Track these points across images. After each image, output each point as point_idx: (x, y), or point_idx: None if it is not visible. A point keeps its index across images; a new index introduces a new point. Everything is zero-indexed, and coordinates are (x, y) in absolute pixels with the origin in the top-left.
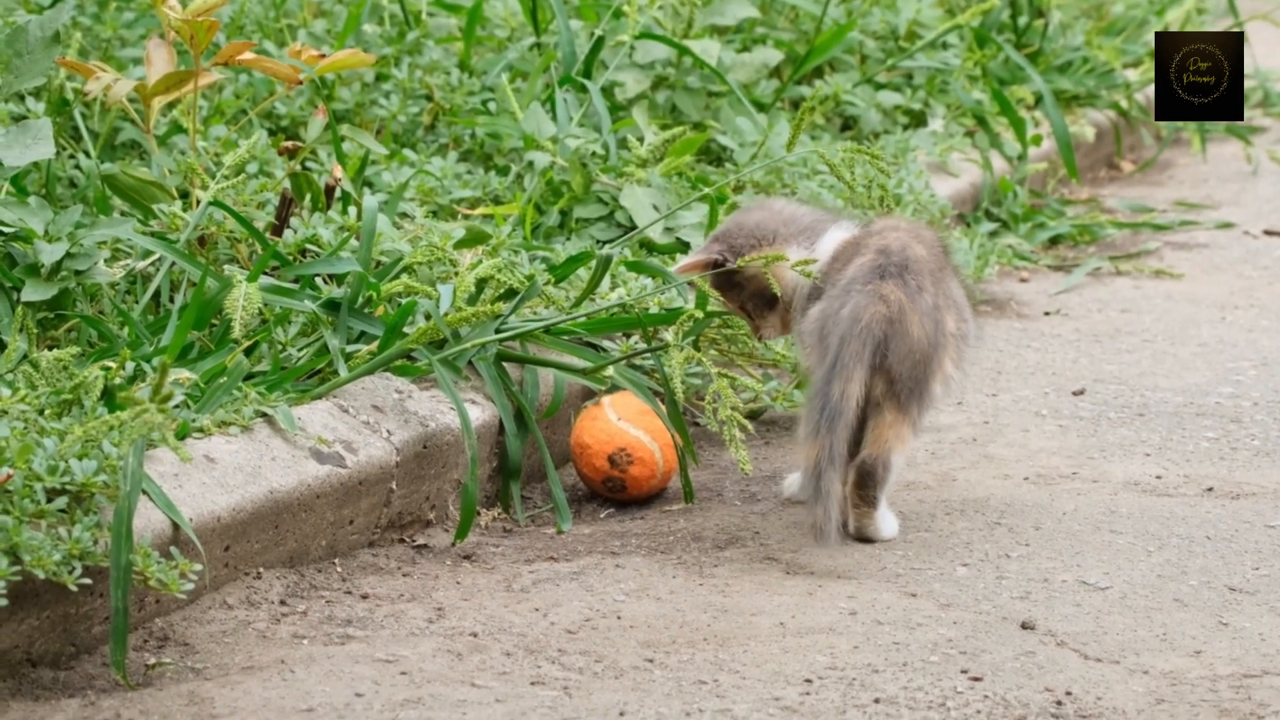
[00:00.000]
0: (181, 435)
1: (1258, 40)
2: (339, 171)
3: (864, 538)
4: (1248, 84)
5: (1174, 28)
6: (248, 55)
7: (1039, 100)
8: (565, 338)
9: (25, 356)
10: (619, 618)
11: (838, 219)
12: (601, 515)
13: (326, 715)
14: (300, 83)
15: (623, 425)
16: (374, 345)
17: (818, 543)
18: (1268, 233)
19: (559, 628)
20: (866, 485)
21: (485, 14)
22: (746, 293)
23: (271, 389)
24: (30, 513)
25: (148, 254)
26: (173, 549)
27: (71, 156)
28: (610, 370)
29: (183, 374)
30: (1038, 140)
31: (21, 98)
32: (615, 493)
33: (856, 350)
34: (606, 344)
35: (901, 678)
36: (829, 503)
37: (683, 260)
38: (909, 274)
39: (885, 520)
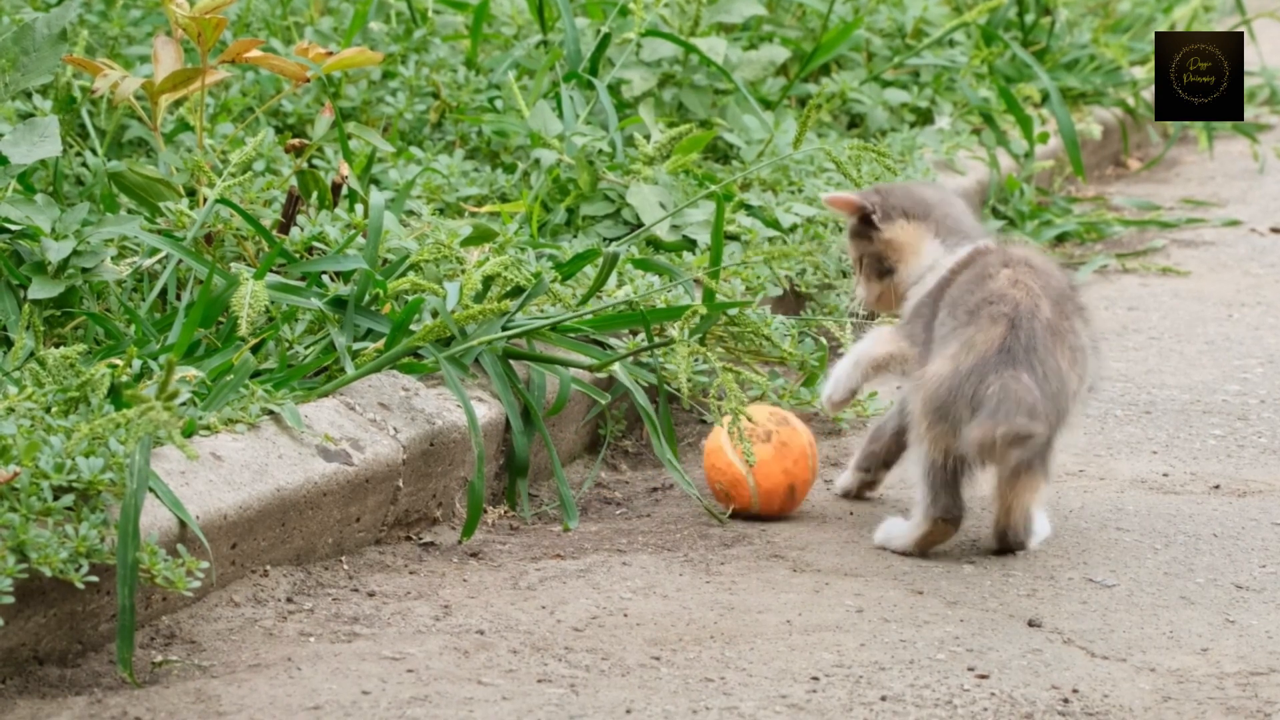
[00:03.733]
0: (188, 433)
1: (1265, 38)
2: (345, 169)
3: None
4: (1255, 82)
5: (1181, 25)
6: (255, 53)
7: (1045, 98)
8: (572, 335)
9: (32, 354)
10: (626, 615)
11: (979, 238)
12: (613, 513)
13: (333, 713)
14: (307, 80)
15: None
16: (380, 343)
17: None
18: (1275, 230)
19: (566, 625)
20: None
21: (491, 11)
22: (870, 251)
23: (278, 386)
24: (37, 510)
25: (154, 252)
26: (179, 547)
27: (78, 154)
28: (616, 367)
29: (189, 372)
30: (1044, 138)
31: (28, 95)
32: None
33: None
34: (613, 341)
35: (908, 675)
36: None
37: (837, 194)
38: (1035, 357)
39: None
